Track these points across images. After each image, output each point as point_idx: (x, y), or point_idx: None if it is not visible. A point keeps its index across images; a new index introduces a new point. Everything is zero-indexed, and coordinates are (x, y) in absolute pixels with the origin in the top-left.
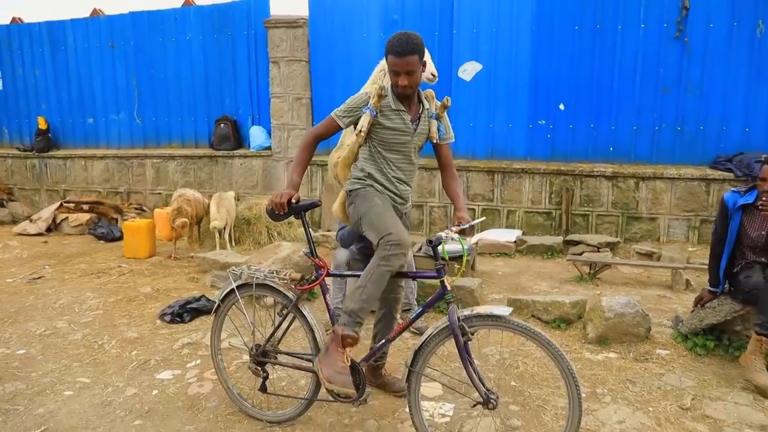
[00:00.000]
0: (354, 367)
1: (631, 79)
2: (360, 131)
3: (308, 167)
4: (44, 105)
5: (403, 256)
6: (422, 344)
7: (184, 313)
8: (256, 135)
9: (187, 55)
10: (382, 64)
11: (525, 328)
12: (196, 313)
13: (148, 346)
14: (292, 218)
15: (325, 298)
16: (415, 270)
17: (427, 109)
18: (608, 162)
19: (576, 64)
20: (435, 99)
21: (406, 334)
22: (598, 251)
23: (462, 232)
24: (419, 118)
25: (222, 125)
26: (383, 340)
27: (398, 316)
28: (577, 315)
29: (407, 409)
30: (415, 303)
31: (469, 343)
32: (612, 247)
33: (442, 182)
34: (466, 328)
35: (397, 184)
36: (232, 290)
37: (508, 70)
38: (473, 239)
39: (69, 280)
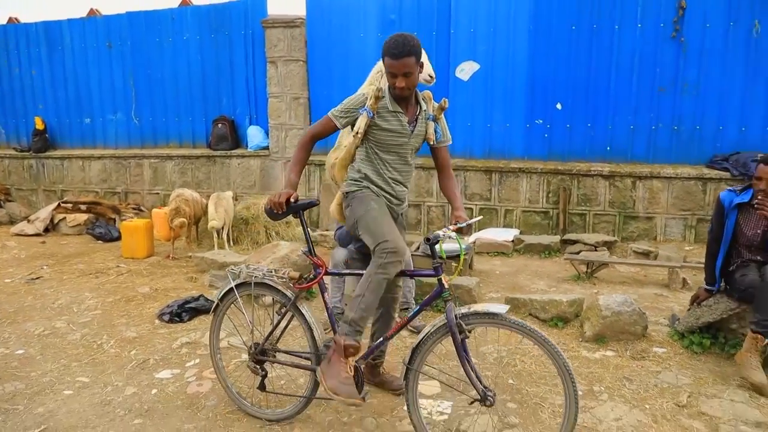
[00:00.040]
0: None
1: (628, 79)
2: (357, 132)
3: (306, 167)
4: (41, 105)
5: (399, 264)
6: (420, 342)
7: (183, 312)
8: (254, 135)
9: (184, 55)
10: (380, 65)
11: (521, 325)
12: (195, 312)
13: (147, 346)
14: (290, 217)
15: (323, 297)
16: (413, 269)
17: (425, 110)
18: (605, 161)
19: (573, 64)
20: (433, 100)
21: (404, 332)
22: (596, 250)
23: (459, 231)
24: (416, 120)
25: (219, 125)
26: (381, 339)
27: (396, 314)
28: (574, 313)
29: (405, 407)
30: (414, 302)
31: (466, 340)
32: (609, 246)
33: (439, 183)
34: (464, 325)
35: (393, 185)
36: (231, 289)
37: (505, 70)
38: (471, 238)
39: (67, 281)
